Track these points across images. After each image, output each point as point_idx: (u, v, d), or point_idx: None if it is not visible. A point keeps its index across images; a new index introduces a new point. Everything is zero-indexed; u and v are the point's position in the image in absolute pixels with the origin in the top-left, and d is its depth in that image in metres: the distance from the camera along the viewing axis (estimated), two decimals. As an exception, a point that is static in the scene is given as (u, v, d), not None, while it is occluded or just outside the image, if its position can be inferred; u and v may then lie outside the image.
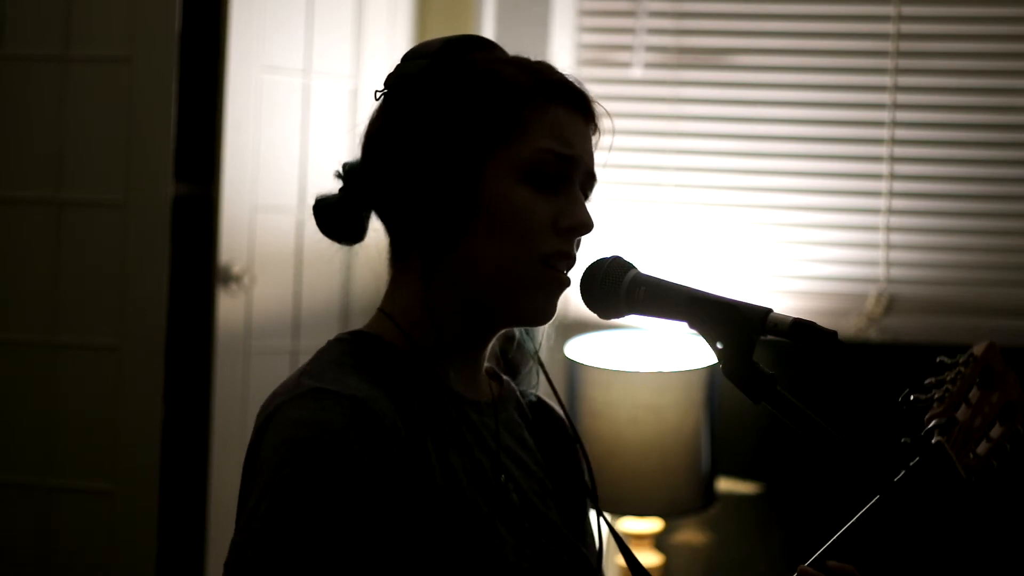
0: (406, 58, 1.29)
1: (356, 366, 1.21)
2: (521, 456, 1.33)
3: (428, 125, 1.23)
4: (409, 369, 1.25)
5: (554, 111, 1.25)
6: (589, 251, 1.30)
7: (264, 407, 1.20)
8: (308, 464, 1.11)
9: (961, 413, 1.29)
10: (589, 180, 1.29)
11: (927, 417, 1.29)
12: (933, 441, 1.26)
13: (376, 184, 1.25)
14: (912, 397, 1.30)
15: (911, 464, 1.25)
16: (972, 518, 1.42)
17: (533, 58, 1.31)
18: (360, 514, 1.11)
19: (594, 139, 1.30)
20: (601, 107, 1.31)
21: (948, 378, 1.30)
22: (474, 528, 1.20)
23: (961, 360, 1.32)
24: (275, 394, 1.20)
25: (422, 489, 1.16)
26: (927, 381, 1.31)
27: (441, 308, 1.25)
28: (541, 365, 1.37)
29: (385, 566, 1.13)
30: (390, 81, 1.27)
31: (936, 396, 1.30)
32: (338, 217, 1.29)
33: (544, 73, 1.27)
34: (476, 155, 1.22)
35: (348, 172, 1.29)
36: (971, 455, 1.28)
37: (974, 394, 1.31)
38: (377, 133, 1.27)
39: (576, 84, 1.28)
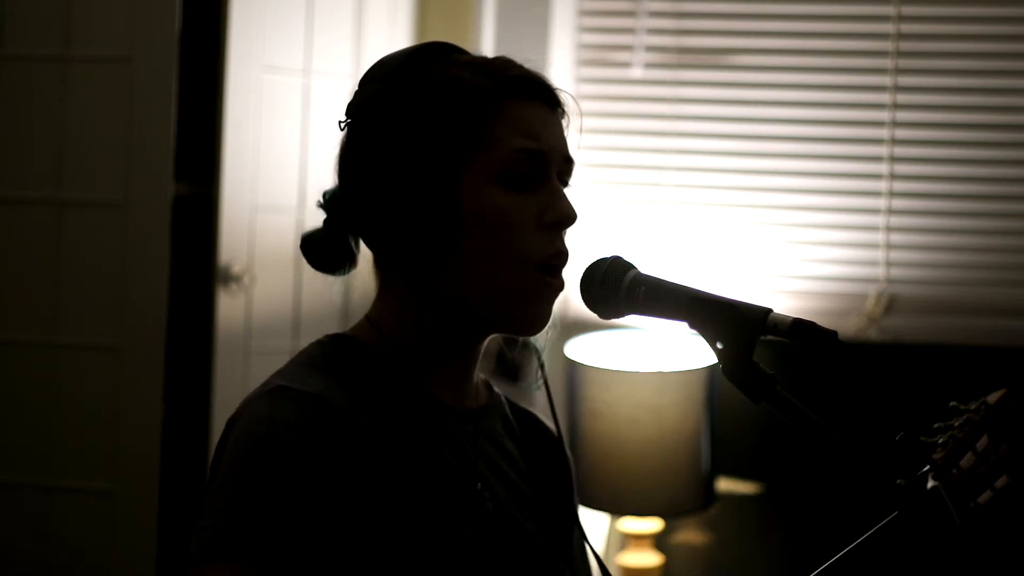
0: (363, 82, 1.28)
1: (325, 367, 1.23)
2: (500, 465, 1.32)
3: (396, 146, 1.22)
4: (384, 373, 1.25)
5: (516, 108, 1.23)
6: (589, 251, 1.30)
7: (238, 406, 1.22)
8: (263, 458, 1.13)
9: (965, 460, 1.27)
10: (566, 166, 1.28)
11: (932, 459, 1.27)
12: (929, 485, 1.23)
13: (355, 211, 1.25)
14: (920, 439, 1.28)
15: (902, 505, 1.22)
16: (971, 564, 1.37)
17: (520, 57, 1.29)
18: (313, 505, 1.12)
19: (564, 123, 1.29)
20: (564, 91, 1.29)
21: (956, 423, 1.28)
22: (435, 528, 1.20)
23: (972, 407, 1.30)
24: (248, 394, 1.22)
25: (382, 486, 1.17)
26: (935, 425, 1.29)
27: (429, 320, 1.25)
28: (542, 368, 1.36)
29: (338, 557, 1.14)
30: (351, 109, 1.27)
31: (940, 441, 1.28)
32: (325, 249, 1.29)
33: (500, 71, 1.25)
34: (449, 169, 1.21)
35: (328, 201, 1.28)
36: (972, 503, 1.26)
37: (982, 442, 1.27)
38: (348, 161, 1.26)
39: (534, 74, 1.27)
